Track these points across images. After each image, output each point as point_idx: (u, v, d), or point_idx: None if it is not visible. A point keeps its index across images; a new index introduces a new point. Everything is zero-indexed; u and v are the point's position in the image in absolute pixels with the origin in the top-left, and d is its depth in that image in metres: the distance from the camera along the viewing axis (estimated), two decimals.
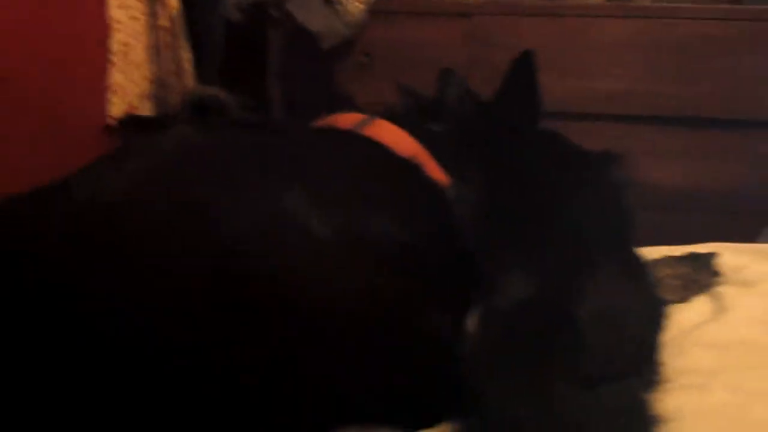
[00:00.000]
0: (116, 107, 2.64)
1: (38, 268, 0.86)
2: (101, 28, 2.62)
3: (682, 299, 1.31)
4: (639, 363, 1.05)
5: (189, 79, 2.80)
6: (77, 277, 0.85)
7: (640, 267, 1.22)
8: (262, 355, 0.86)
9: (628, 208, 1.23)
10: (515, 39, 2.55)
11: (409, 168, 1.07)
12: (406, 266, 0.95)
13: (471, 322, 0.97)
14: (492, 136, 1.20)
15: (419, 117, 1.24)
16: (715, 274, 1.38)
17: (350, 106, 1.25)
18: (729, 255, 1.43)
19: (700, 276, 1.36)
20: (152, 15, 2.72)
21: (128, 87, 2.66)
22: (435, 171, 1.09)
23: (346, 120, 1.13)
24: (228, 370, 0.85)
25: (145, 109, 2.73)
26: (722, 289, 1.32)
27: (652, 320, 1.12)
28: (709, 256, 1.41)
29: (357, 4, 2.55)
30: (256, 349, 0.86)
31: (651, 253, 1.36)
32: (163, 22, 2.70)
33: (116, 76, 2.63)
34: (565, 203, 1.16)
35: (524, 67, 1.20)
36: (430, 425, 0.94)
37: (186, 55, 2.80)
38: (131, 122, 2.72)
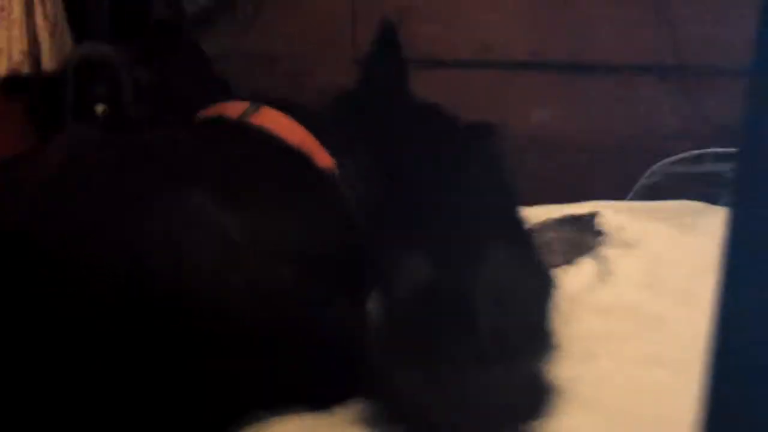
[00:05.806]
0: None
1: None
2: None
3: (568, 262, 1.37)
4: (531, 337, 1.11)
5: (65, 37, 2.72)
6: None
7: (527, 237, 1.28)
8: (174, 352, 0.90)
9: (509, 178, 1.28)
10: None
11: (299, 159, 1.10)
12: (303, 262, 0.99)
13: (372, 309, 1.02)
14: (370, 114, 1.23)
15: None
16: (598, 234, 1.44)
17: (227, 90, 1.27)
18: (609, 214, 1.49)
19: (584, 238, 1.42)
20: None
21: (9, 45, 2.57)
22: (322, 158, 1.12)
23: (233, 110, 1.15)
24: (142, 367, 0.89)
25: (26, 68, 2.65)
26: (605, 251, 1.39)
27: (542, 292, 1.18)
28: (591, 217, 1.47)
29: None
30: (167, 346, 0.89)
31: (534, 214, 1.41)
32: None
33: None
34: (450, 182, 1.21)
35: (387, 38, 1.23)
36: (337, 403, 0.99)
37: (60, 12, 2.71)
38: (10, 83, 2.65)
